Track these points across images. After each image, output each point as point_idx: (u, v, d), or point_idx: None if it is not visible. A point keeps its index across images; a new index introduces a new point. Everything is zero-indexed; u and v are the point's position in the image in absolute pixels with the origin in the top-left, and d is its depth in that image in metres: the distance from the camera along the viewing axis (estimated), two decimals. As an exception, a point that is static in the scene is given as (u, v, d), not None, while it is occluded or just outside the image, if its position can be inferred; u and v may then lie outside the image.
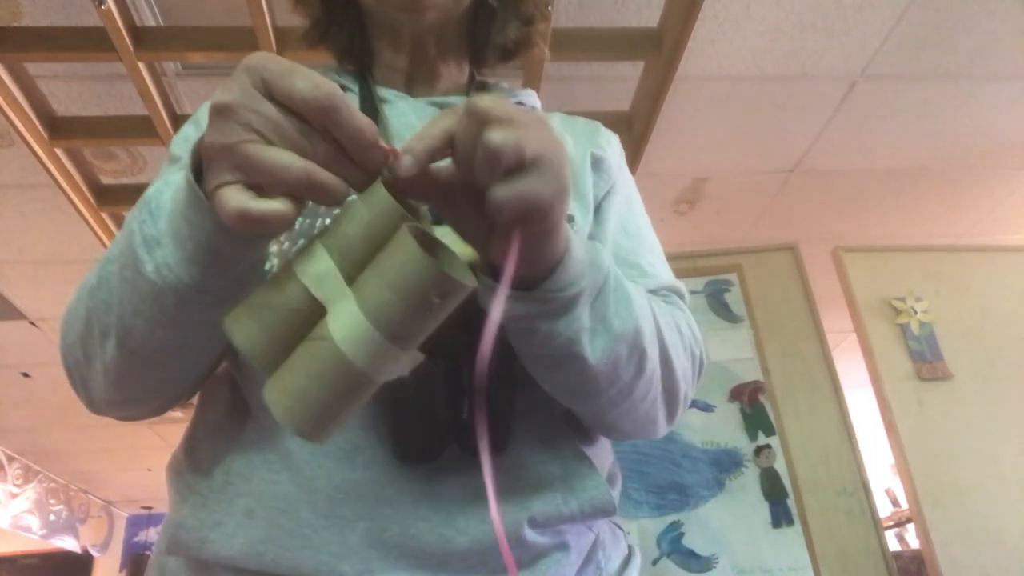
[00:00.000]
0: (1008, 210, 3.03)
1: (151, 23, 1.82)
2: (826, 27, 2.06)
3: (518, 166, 0.40)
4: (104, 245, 2.33)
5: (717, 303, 2.15)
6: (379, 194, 0.40)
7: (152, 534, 6.71)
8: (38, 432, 4.68)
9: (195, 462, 0.60)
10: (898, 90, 2.32)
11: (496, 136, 0.38)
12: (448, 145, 0.42)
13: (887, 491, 4.28)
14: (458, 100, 0.77)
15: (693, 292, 2.13)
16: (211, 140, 0.40)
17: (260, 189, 0.40)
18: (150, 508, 6.80)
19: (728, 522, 1.89)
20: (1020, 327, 2.17)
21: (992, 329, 2.16)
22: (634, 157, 2.04)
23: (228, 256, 0.46)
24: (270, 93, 0.39)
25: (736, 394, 2.03)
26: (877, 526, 1.87)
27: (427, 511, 0.53)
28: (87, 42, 1.67)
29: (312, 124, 0.39)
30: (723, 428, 1.99)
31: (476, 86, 0.81)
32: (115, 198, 2.19)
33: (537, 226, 0.43)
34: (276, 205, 0.39)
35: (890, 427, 1.99)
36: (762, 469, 1.94)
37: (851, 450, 1.94)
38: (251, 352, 0.39)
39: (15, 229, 2.61)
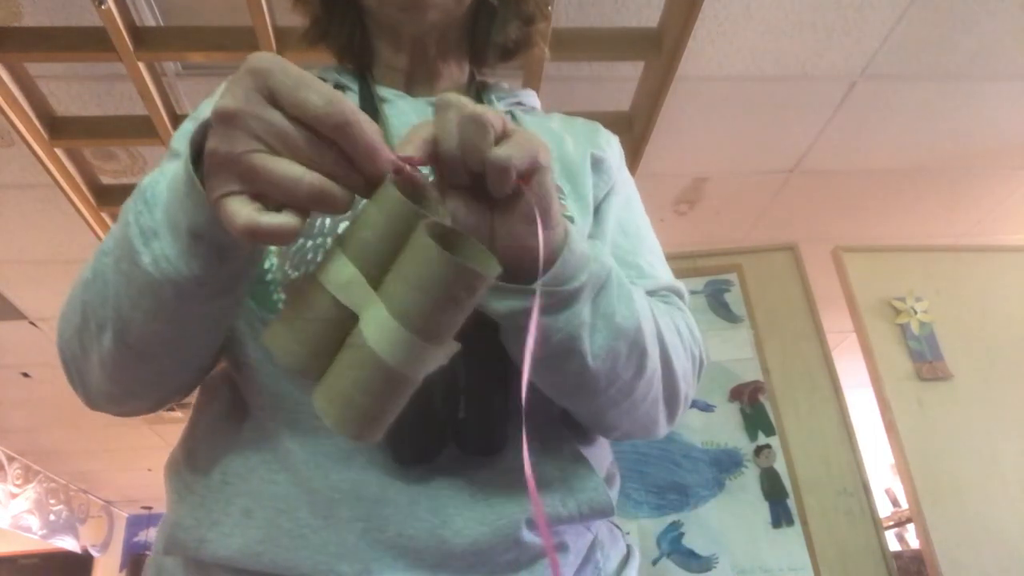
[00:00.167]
0: (1008, 210, 3.03)
1: (151, 23, 1.82)
2: (826, 27, 2.06)
3: (503, 135, 0.42)
4: (104, 245, 2.33)
5: (717, 303, 2.15)
6: (391, 196, 0.40)
7: (152, 534, 6.69)
8: (38, 432, 4.68)
9: (193, 462, 0.60)
10: (898, 90, 2.32)
11: (477, 109, 0.41)
12: (432, 150, 0.42)
13: (887, 491, 4.28)
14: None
15: (693, 292, 2.12)
16: (216, 148, 0.39)
17: (263, 197, 0.39)
18: (150, 508, 6.81)
19: (728, 522, 1.89)
20: (1020, 327, 2.17)
21: (992, 329, 2.16)
22: (634, 157, 2.03)
23: (227, 250, 0.46)
24: (277, 101, 0.39)
25: (736, 394, 2.03)
26: (877, 526, 1.86)
27: (425, 511, 0.53)
28: (87, 42, 1.67)
29: (320, 135, 0.39)
30: (723, 428, 1.99)
31: (476, 86, 0.81)
32: (115, 198, 2.19)
33: (538, 180, 0.44)
34: (286, 220, 0.39)
35: (890, 427, 1.99)
36: (762, 469, 1.93)
37: (851, 450, 1.94)
38: (295, 367, 0.40)
39: (15, 229, 2.61)
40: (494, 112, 0.42)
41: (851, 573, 1.81)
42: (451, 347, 0.41)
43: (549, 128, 0.75)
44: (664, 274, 0.72)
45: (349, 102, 0.39)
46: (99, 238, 2.32)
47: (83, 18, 1.77)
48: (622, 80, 2.10)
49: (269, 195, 0.39)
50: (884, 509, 3.36)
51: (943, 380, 2.07)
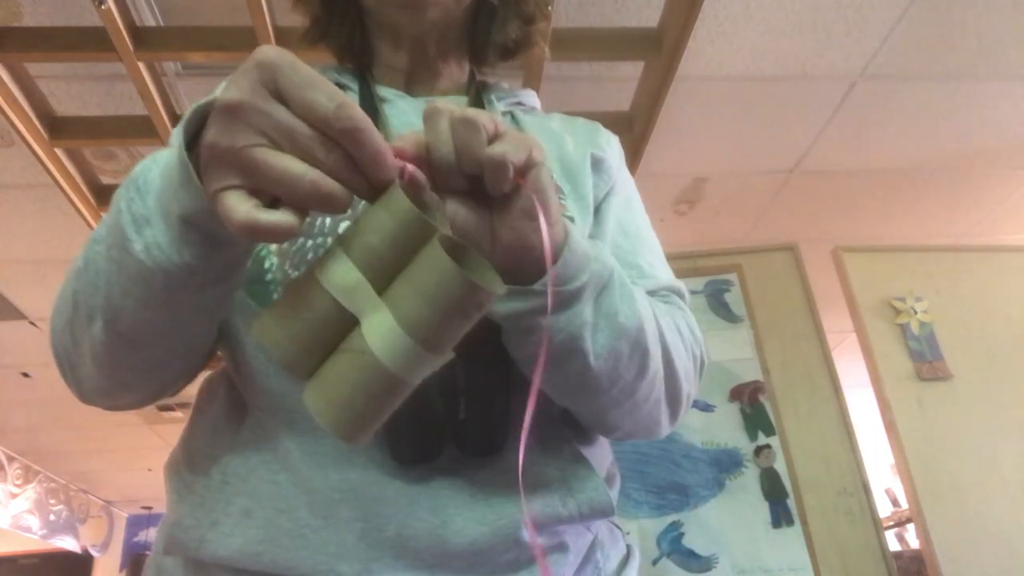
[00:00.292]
0: (1008, 210, 3.03)
1: (151, 23, 1.82)
2: (826, 27, 2.06)
3: (496, 135, 0.42)
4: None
5: (717, 303, 2.15)
6: (401, 203, 0.40)
7: (152, 534, 6.69)
8: (38, 432, 4.68)
9: (193, 461, 0.59)
10: (898, 90, 2.32)
11: (468, 112, 0.41)
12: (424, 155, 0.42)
13: (887, 491, 4.28)
14: (458, 99, 0.77)
15: (693, 292, 2.12)
16: (216, 140, 0.38)
17: (262, 193, 0.39)
18: (150, 508, 6.81)
19: (728, 522, 1.89)
20: (1020, 327, 2.17)
21: (992, 329, 2.16)
22: (634, 157, 2.03)
23: (221, 240, 0.45)
24: (283, 98, 0.38)
25: (736, 394, 2.03)
26: (877, 526, 1.86)
27: (425, 511, 0.53)
28: (87, 42, 1.67)
29: (325, 135, 0.38)
30: (723, 428, 1.99)
31: (476, 85, 0.81)
32: (115, 198, 2.18)
33: (534, 175, 0.44)
34: (284, 218, 0.38)
35: (890, 427, 1.99)
36: (762, 469, 1.93)
37: (851, 450, 1.94)
38: (285, 363, 0.41)
39: (15, 229, 2.61)
40: (485, 113, 0.42)
41: (851, 573, 1.81)
42: (448, 355, 0.42)
43: (549, 128, 0.75)
44: (664, 274, 0.72)
45: (357, 107, 0.39)
46: (99, 238, 2.32)
47: (83, 18, 1.77)
48: (622, 80, 2.10)
49: (269, 191, 0.39)
50: (884, 509, 3.36)
51: (943, 380, 2.07)
